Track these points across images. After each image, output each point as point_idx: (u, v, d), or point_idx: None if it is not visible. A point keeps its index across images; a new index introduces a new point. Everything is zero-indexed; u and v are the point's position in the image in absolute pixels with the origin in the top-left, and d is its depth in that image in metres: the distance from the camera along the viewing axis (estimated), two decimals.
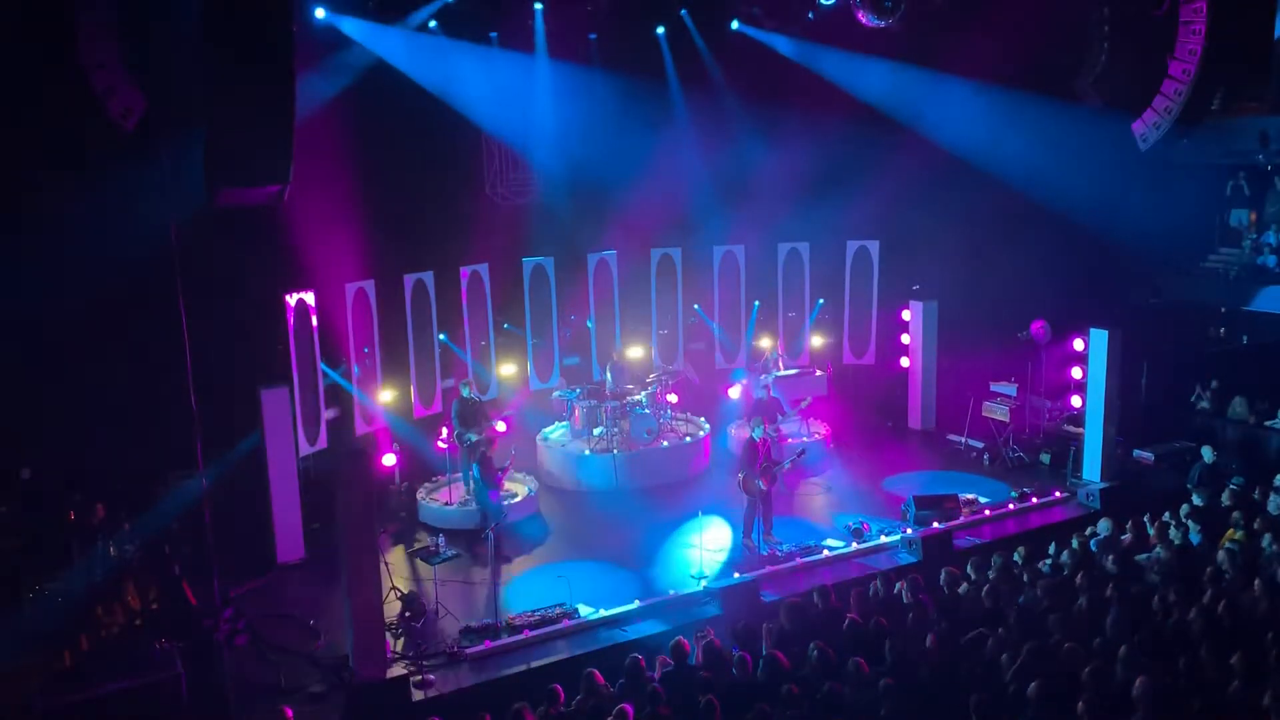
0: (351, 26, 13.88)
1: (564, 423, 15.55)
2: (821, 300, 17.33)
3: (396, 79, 14.56)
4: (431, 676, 9.54)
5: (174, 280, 8.28)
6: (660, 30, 16.71)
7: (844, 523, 12.71)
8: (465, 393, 13.78)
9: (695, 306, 17.28)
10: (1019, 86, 15.93)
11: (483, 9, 15.22)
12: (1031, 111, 16.13)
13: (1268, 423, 14.74)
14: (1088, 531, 11.25)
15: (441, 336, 15.22)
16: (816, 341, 17.25)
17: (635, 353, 16.34)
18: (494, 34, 15.63)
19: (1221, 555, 9.81)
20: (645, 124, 16.46)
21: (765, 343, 16.73)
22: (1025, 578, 9.72)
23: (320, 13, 13.23)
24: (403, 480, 13.92)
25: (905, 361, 17.13)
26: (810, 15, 16.29)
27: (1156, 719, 6.85)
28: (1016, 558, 10.41)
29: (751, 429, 12.57)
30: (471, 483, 13.13)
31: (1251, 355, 16.83)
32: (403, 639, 10.27)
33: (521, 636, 10.11)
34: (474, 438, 13.19)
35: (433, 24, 14.97)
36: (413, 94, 14.75)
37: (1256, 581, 8.99)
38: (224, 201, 9.55)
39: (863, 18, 14.62)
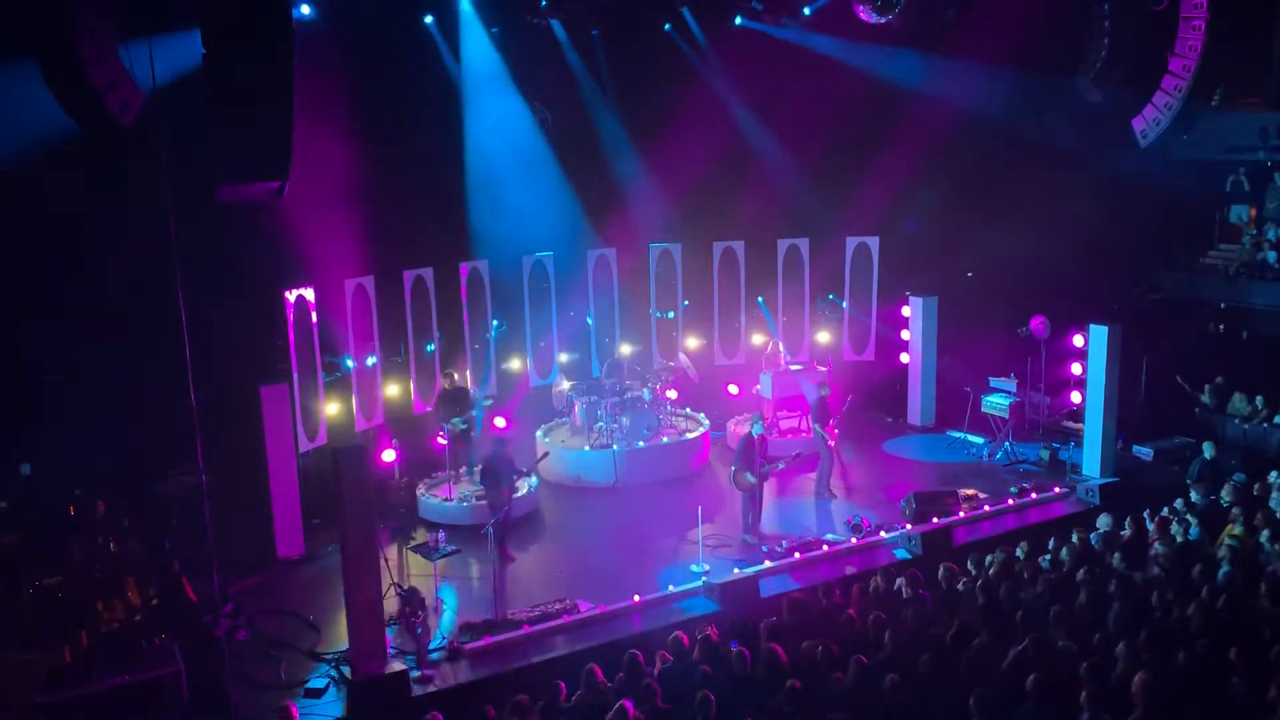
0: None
1: (564, 419, 15.58)
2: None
3: (397, 74, 14.57)
4: (431, 672, 9.56)
5: (173, 276, 8.27)
6: (667, 26, 16.72)
7: (843, 518, 12.73)
8: (448, 385, 13.98)
9: (684, 303, 17.32)
10: (1019, 84, 15.92)
11: (487, 6, 15.25)
12: (1032, 108, 16.12)
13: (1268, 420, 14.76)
14: (1096, 527, 11.24)
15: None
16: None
17: (633, 349, 16.35)
18: (495, 29, 15.63)
19: (1221, 551, 9.82)
20: (644, 121, 16.49)
21: (764, 339, 16.77)
22: (1025, 573, 9.73)
23: (306, 9, 13.16)
24: (402, 476, 13.94)
25: (905, 358, 17.12)
26: (806, 11, 16.28)
27: (1155, 714, 6.86)
28: (1018, 553, 10.42)
29: (751, 425, 12.60)
30: (476, 471, 13.22)
31: (1251, 351, 16.83)
32: (402, 634, 10.28)
33: (521, 632, 10.13)
34: (463, 425, 13.59)
35: (429, 19, 14.99)
36: (413, 88, 14.78)
37: (1256, 577, 9.01)
38: (223, 198, 9.55)
39: (863, 14, 14.62)
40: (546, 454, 12.73)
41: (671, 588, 10.91)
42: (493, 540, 11.21)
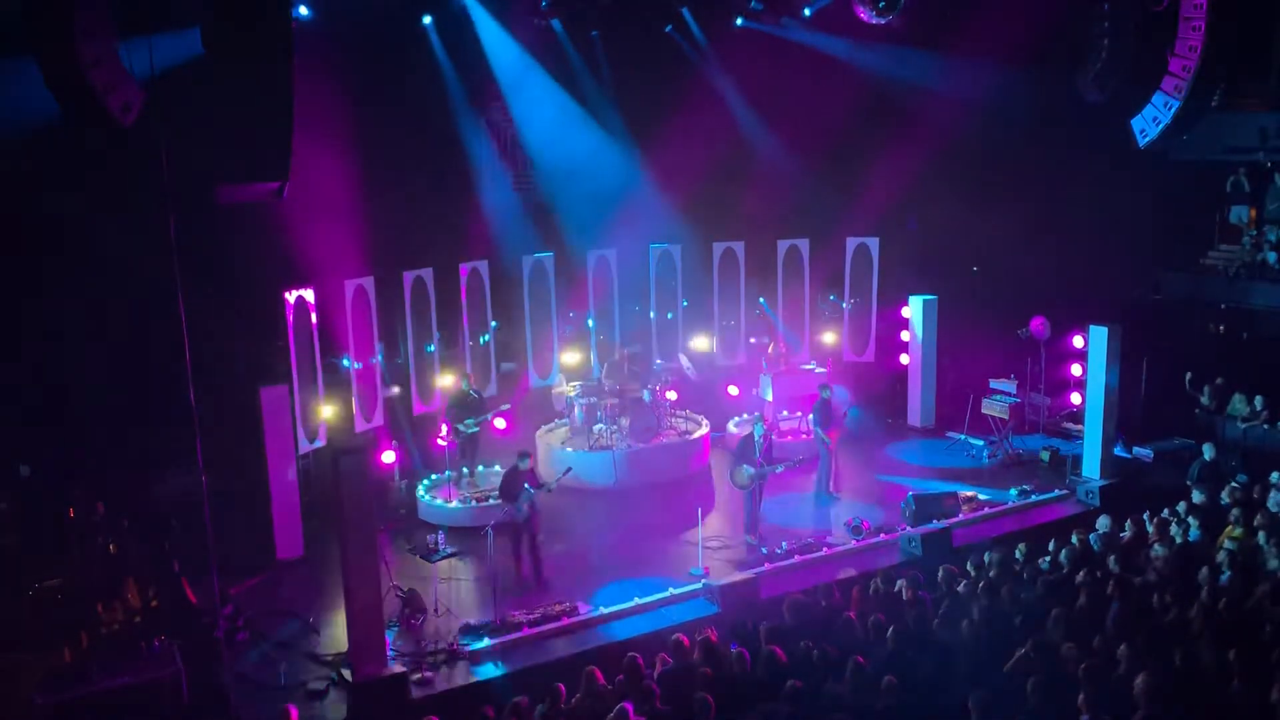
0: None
1: (563, 420, 15.57)
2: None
3: (396, 74, 14.56)
4: (431, 674, 9.55)
5: (173, 276, 8.27)
6: (668, 27, 16.72)
7: (844, 520, 12.71)
8: (465, 387, 14.03)
9: (684, 303, 17.32)
10: (1019, 84, 15.91)
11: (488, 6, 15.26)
12: (1031, 108, 16.11)
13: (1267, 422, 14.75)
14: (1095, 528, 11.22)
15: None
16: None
17: (639, 348, 16.35)
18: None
19: (1220, 554, 9.81)
20: (644, 121, 16.48)
21: (765, 340, 16.76)
22: (1025, 575, 9.71)
23: (304, 9, 13.15)
24: (402, 477, 13.94)
25: (905, 359, 17.11)
26: (806, 12, 16.27)
27: (1157, 716, 6.85)
28: (1017, 555, 10.40)
29: (754, 426, 12.58)
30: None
31: (1251, 352, 16.82)
32: (402, 636, 10.26)
33: (521, 634, 10.12)
34: (475, 427, 13.74)
35: (427, 19, 14.99)
36: (413, 87, 14.77)
37: (1256, 578, 9.00)
38: (223, 198, 9.55)
39: (863, 14, 14.60)
40: (569, 469, 12.66)
41: (671, 590, 10.90)
42: (492, 541, 11.17)
